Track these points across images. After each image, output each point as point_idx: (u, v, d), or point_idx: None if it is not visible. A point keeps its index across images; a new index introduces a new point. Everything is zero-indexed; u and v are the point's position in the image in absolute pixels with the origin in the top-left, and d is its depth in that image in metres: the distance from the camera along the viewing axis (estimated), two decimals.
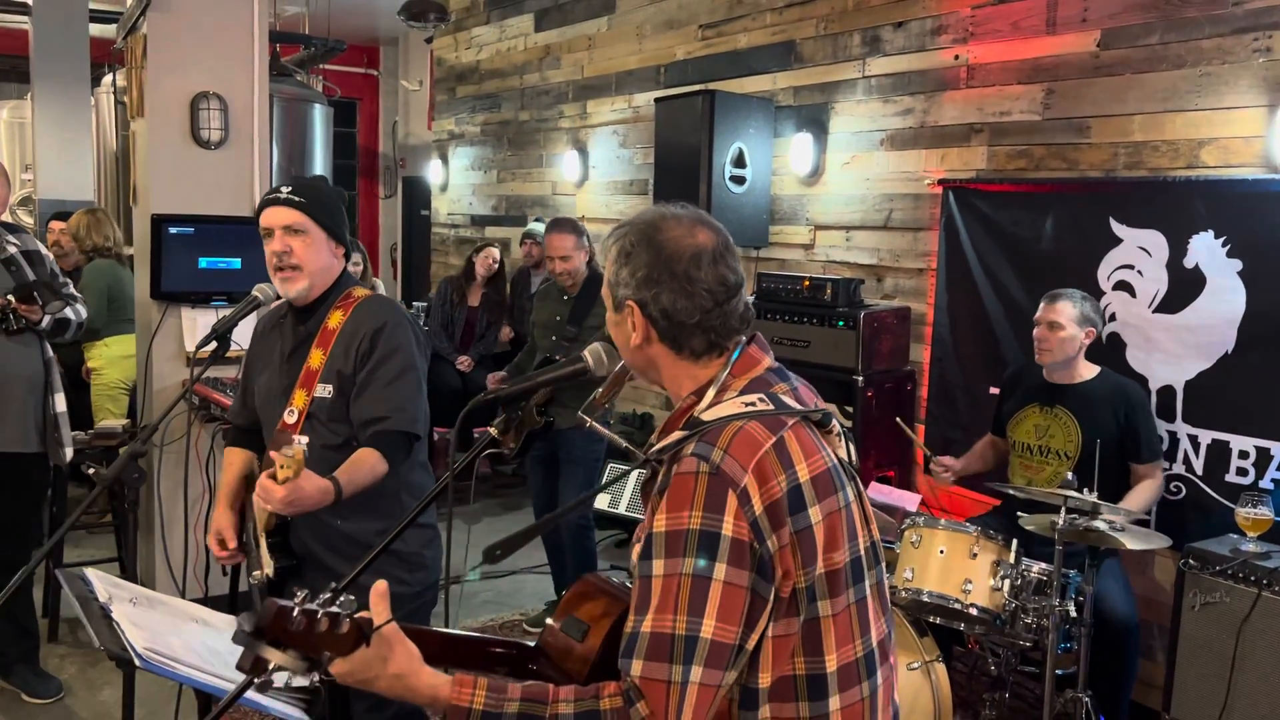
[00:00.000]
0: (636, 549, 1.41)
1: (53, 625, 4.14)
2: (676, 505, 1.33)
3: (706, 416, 1.40)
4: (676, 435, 1.40)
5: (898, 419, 3.91)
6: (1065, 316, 3.42)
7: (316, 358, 2.32)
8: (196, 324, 4.28)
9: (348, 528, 2.33)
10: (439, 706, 1.32)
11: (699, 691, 1.29)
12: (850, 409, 4.34)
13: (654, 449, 1.42)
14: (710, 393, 1.45)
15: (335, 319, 2.36)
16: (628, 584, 1.54)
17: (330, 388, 2.30)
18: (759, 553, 1.32)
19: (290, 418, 2.29)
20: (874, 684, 1.45)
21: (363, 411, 2.30)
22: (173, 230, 4.20)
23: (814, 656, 1.38)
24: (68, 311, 3.54)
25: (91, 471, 2.28)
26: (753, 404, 1.40)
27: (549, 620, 1.26)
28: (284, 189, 2.35)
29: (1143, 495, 3.35)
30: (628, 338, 1.49)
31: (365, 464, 2.24)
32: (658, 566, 1.32)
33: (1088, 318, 3.44)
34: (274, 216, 2.33)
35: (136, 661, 1.62)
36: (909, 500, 3.77)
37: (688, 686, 1.28)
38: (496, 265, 6.48)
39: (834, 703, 1.39)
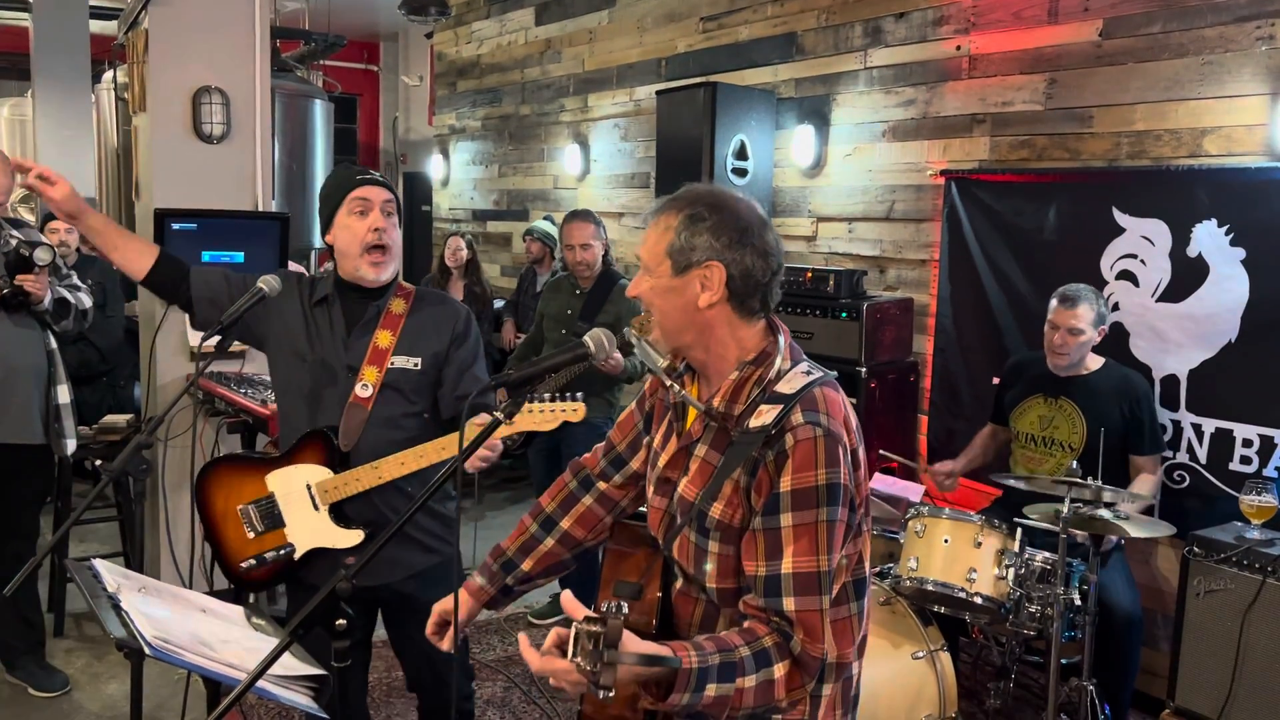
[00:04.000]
0: (718, 507, 1.60)
1: (58, 620, 4.14)
2: (803, 466, 1.54)
3: (784, 389, 1.60)
4: (771, 410, 1.58)
5: (885, 453, 3.94)
6: (1085, 321, 3.36)
7: (385, 338, 2.45)
8: None
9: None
10: (663, 675, 1.43)
11: (834, 612, 1.59)
12: (854, 400, 4.33)
13: (759, 424, 1.57)
14: (777, 363, 1.65)
15: (399, 305, 2.49)
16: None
17: (418, 361, 2.45)
18: (850, 491, 1.58)
19: (364, 392, 2.42)
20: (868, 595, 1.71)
21: (465, 385, 2.47)
22: (175, 225, 4.19)
23: (859, 565, 1.65)
24: (65, 293, 3.50)
25: (99, 464, 2.29)
26: (810, 371, 1.63)
27: (600, 606, 1.29)
28: (374, 172, 2.49)
29: (1143, 488, 3.35)
30: (694, 298, 1.63)
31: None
32: (787, 519, 1.54)
33: (1103, 316, 3.41)
34: (377, 192, 2.43)
35: (146, 650, 1.62)
36: (913, 491, 3.77)
37: (829, 611, 1.56)
38: (464, 253, 6.33)
39: (865, 601, 1.67)
